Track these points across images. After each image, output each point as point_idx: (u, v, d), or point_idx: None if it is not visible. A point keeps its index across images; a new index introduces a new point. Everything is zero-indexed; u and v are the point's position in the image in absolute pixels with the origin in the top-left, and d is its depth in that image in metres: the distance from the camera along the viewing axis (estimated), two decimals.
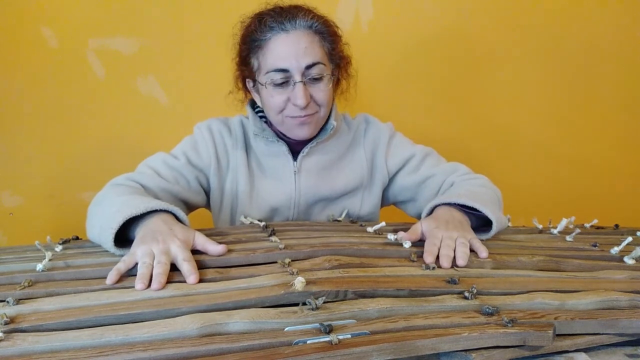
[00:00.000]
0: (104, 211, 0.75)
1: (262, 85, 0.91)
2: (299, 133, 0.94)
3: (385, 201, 1.08)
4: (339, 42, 0.96)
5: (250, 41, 0.91)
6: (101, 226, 0.72)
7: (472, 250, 0.71)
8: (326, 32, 0.92)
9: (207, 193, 1.01)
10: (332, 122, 0.97)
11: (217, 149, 0.99)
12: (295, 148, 0.99)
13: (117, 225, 0.68)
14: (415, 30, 1.49)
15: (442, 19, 1.50)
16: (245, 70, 0.96)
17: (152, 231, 0.68)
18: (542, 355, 0.48)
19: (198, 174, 0.97)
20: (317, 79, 0.90)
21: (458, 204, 0.83)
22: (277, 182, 0.99)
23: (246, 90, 1.01)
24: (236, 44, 0.96)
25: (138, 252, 0.63)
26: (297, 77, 0.88)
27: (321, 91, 0.91)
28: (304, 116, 0.91)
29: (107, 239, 0.69)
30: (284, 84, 0.89)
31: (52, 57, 1.32)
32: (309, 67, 0.88)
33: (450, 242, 0.71)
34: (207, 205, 1.03)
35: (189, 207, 0.98)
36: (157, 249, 0.63)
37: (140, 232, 0.69)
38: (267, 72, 0.89)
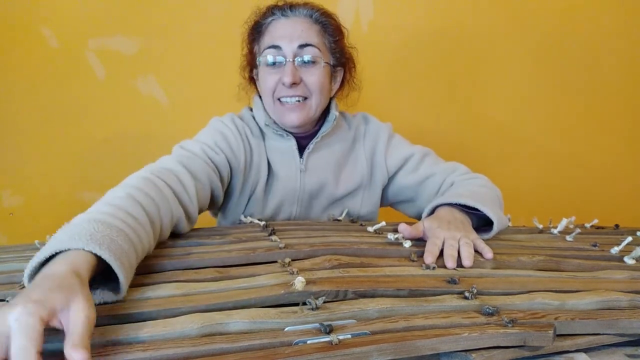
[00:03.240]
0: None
1: (259, 65, 0.94)
2: (289, 120, 0.93)
3: (384, 200, 1.08)
4: (342, 38, 0.97)
5: (254, 27, 0.96)
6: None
7: (476, 251, 0.71)
8: (328, 24, 0.94)
9: (224, 190, 0.96)
10: (334, 112, 0.98)
11: (246, 149, 0.95)
12: (301, 143, 0.99)
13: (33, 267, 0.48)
14: (416, 30, 1.49)
15: (442, 19, 1.50)
16: (250, 57, 0.99)
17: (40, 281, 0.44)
18: (542, 356, 0.48)
19: (229, 171, 0.93)
20: (309, 63, 0.91)
21: (459, 204, 0.83)
22: (283, 180, 0.99)
23: (251, 80, 1.02)
24: (244, 34, 0.99)
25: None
26: (289, 57, 0.90)
27: (313, 75, 0.92)
28: (293, 96, 0.91)
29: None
30: (277, 64, 0.91)
31: (52, 57, 1.32)
32: (302, 46, 0.90)
33: (453, 242, 0.71)
34: (211, 208, 1.00)
35: (208, 205, 0.91)
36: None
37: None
38: (263, 51, 0.92)
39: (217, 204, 0.95)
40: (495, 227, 0.80)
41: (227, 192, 0.97)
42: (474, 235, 0.76)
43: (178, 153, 0.86)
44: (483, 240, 0.75)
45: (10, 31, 1.29)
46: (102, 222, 0.54)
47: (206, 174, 0.85)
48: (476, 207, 0.81)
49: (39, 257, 0.47)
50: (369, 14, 1.45)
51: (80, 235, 0.50)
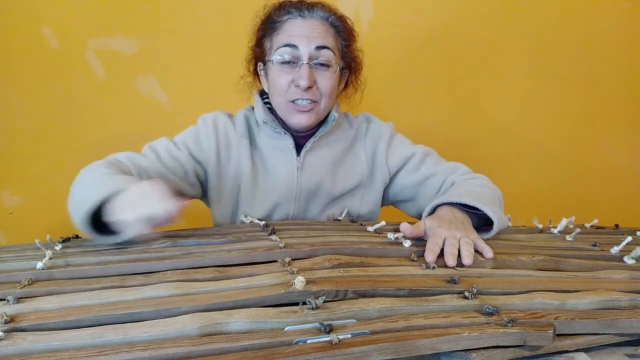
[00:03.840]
0: (88, 184, 0.78)
1: (271, 63, 0.93)
2: (298, 120, 0.94)
3: (385, 200, 1.08)
4: (354, 43, 0.98)
5: (268, 23, 0.95)
6: (82, 199, 0.74)
7: (476, 251, 0.71)
8: (342, 29, 0.95)
9: (204, 186, 1.01)
10: (334, 113, 0.98)
11: (219, 144, 0.98)
12: (299, 142, 0.99)
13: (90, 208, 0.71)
14: (416, 29, 1.49)
15: (442, 19, 1.50)
16: (258, 51, 0.98)
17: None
18: (542, 355, 0.48)
19: (196, 166, 0.97)
20: (324, 65, 0.91)
21: (460, 203, 0.83)
22: (280, 178, 0.99)
23: (256, 74, 1.02)
24: (254, 27, 0.98)
25: None
26: (305, 58, 0.90)
27: (326, 79, 0.92)
28: (305, 99, 0.91)
29: (82, 220, 0.72)
30: (291, 63, 0.91)
31: (52, 57, 1.32)
32: (318, 48, 0.90)
33: (454, 241, 0.70)
34: (203, 198, 1.03)
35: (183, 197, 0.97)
36: None
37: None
38: (278, 49, 0.91)
39: (199, 194, 1.01)
40: (496, 227, 0.80)
41: (209, 186, 1.00)
42: (474, 234, 0.76)
43: (142, 152, 0.95)
44: (483, 239, 0.75)
45: (10, 31, 1.29)
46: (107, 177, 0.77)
47: (156, 171, 0.90)
48: (477, 206, 0.81)
49: (89, 206, 0.71)
50: (369, 13, 1.45)
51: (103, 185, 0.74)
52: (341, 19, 0.95)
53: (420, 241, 0.76)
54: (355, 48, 1.00)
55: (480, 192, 0.88)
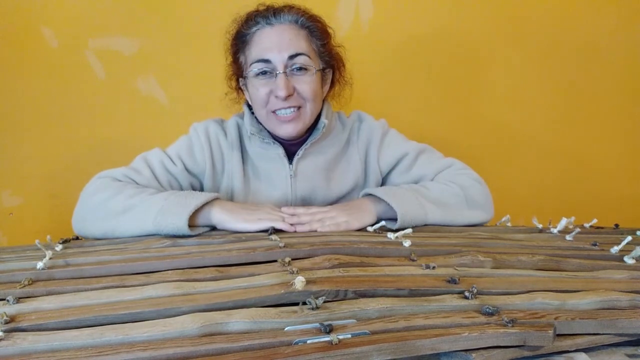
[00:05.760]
0: (139, 205, 0.81)
1: (248, 78, 0.92)
2: (283, 131, 0.93)
3: None
4: (329, 40, 0.96)
5: (239, 37, 0.94)
6: (154, 222, 0.79)
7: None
8: (314, 28, 0.92)
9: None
10: (323, 120, 0.97)
11: (213, 153, 0.98)
12: (291, 149, 0.98)
13: (191, 210, 0.79)
14: (416, 28, 1.49)
15: (442, 18, 1.50)
16: (236, 67, 0.97)
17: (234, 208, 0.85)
18: (542, 355, 0.48)
19: (192, 179, 0.98)
20: (301, 70, 0.90)
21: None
22: (273, 186, 0.98)
23: (239, 89, 1.01)
24: (227, 44, 0.97)
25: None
26: (280, 68, 0.88)
27: (305, 83, 0.90)
28: (288, 108, 0.90)
29: (173, 226, 0.78)
30: (268, 74, 0.90)
31: (52, 57, 1.32)
32: (292, 57, 0.89)
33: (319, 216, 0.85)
34: None
35: None
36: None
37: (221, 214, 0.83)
38: (252, 64, 0.90)
39: None
40: (400, 217, 0.84)
41: None
42: (347, 218, 0.85)
43: (132, 166, 0.94)
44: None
45: (10, 31, 1.29)
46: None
47: (152, 188, 0.90)
48: (383, 198, 0.87)
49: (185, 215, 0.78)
50: (369, 12, 1.45)
51: (188, 198, 0.82)
52: (312, 18, 0.93)
53: (420, 241, 0.76)
54: (333, 45, 0.98)
55: (432, 190, 0.92)
